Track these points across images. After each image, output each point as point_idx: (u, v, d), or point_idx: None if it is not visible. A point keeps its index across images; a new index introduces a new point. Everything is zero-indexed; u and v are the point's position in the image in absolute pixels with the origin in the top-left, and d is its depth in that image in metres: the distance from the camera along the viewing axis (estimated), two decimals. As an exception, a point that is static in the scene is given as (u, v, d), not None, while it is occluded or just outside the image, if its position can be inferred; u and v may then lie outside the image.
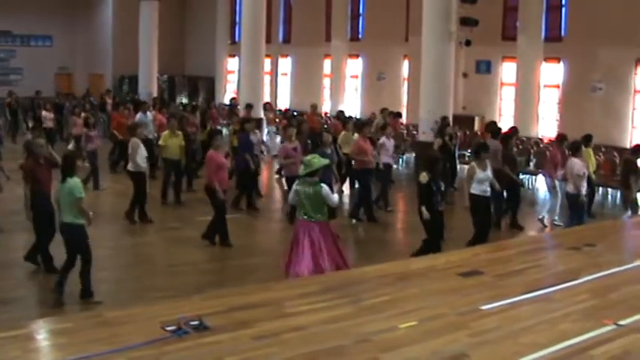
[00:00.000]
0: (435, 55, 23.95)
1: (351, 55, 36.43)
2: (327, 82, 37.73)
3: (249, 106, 26.78)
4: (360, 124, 20.46)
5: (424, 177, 13.65)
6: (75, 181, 11.77)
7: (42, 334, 10.14)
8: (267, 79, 37.37)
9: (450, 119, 23.71)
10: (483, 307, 9.99)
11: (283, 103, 40.08)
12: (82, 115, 26.40)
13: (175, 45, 46.72)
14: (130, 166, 18.00)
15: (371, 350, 8.64)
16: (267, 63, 36.32)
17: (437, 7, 23.74)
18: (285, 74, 40.87)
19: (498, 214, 17.82)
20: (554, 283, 11.00)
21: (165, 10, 41.82)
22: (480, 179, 14.58)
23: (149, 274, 13.82)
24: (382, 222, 18.97)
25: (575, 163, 16.49)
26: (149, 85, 40.29)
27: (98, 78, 48.75)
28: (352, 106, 36.10)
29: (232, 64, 43.17)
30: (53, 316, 11.16)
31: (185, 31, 48.43)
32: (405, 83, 33.40)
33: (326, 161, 12.63)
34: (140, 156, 17.64)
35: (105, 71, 48.15)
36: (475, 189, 14.62)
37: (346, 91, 36.65)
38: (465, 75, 30.97)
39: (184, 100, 42.62)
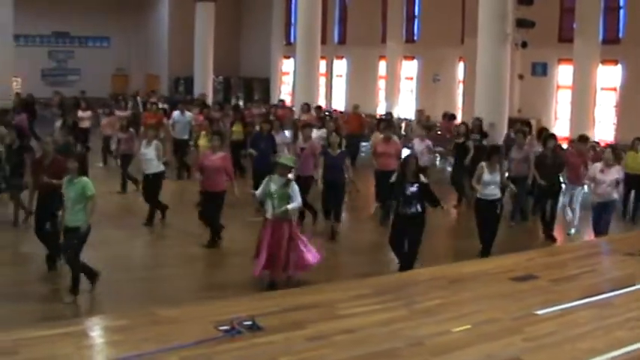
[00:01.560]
0: (491, 56, 23.75)
1: (406, 57, 36.30)
2: (382, 83, 37.64)
3: (306, 107, 26.70)
4: (383, 126, 20.28)
5: (394, 177, 13.59)
6: (86, 180, 11.95)
7: (96, 331, 10.25)
8: (322, 80, 37.39)
9: (505, 122, 23.54)
10: (538, 312, 9.91)
11: (338, 104, 40.04)
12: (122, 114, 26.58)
13: (231, 46, 46.90)
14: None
15: (423, 353, 8.61)
16: (322, 64, 36.33)
17: (493, 8, 23.54)
18: (340, 76, 40.83)
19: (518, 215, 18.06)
20: (611, 289, 10.88)
21: (221, 11, 42.00)
22: (486, 182, 14.47)
23: (201, 273, 13.86)
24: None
25: (594, 168, 16.27)
26: (204, 87, 40.49)
27: (154, 79, 49.13)
28: (407, 108, 35.98)
29: (287, 65, 43.23)
30: (105, 314, 11.23)
31: (241, 32, 48.59)
32: (460, 85, 33.20)
33: (285, 161, 12.97)
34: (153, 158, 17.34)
35: (161, 72, 48.52)
36: (479, 193, 14.61)
37: (401, 93, 36.53)
38: (520, 77, 30.71)
39: (241, 102, 42.76)
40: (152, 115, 26.09)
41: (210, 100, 37.66)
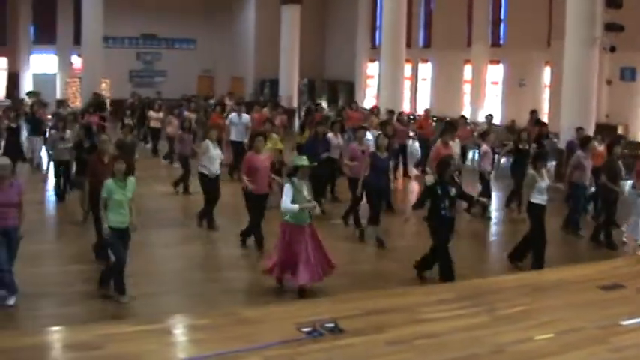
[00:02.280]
0: (578, 61, 23.44)
1: (491, 61, 35.99)
2: (467, 87, 37.39)
3: (390, 112, 26.53)
4: (443, 130, 20.04)
5: (430, 179, 13.35)
6: (133, 181, 12.04)
7: (179, 328, 10.41)
8: (407, 84, 37.30)
9: (592, 127, 23.18)
10: (624, 322, 9.77)
11: (423, 108, 39.88)
12: (187, 115, 26.81)
13: (316, 49, 47.01)
14: (198, 168, 17.68)
15: (505, 360, 8.55)
16: (407, 68, 36.26)
17: (580, 11, 23.23)
18: (425, 79, 40.67)
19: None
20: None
21: (307, 13, 42.20)
22: (541, 189, 14.17)
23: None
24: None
25: None
26: (289, 89, 40.71)
27: (239, 81, 49.51)
28: (493, 112, 35.65)
29: (372, 68, 43.20)
30: (186, 312, 11.36)
31: (326, 34, 48.69)
32: (547, 90, 32.80)
33: (301, 162, 12.68)
34: (207, 158, 17.30)
35: (246, 74, 48.85)
36: (536, 198, 14.18)
37: (486, 97, 36.24)
38: (608, 82, 30.17)
39: (324, 104, 42.88)
40: (219, 116, 26.12)
41: (295, 103, 38.00)
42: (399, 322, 10.19)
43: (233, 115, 24.38)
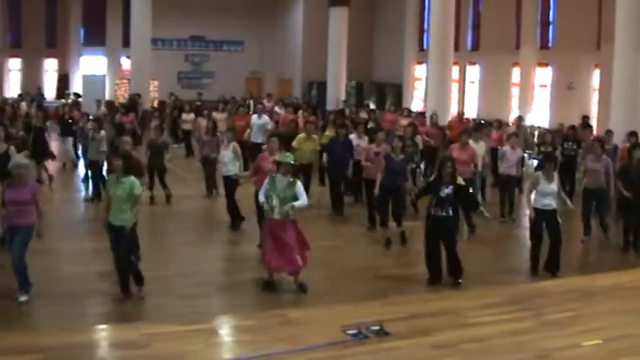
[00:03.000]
0: (628, 64, 23.10)
1: (540, 64, 35.71)
2: (515, 91, 37.14)
3: (421, 114, 26.33)
4: (468, 131, 19.80)
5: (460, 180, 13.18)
6: (133, 179, 11.86)
7: (225, 329, 10.48)
8: (454, 86, 37.15)
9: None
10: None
11: (470, 111, 39.68)
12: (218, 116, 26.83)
13: (364, 51, 47.00)
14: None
15: (551, 366, 8.49)
16: (455, 70, 36.11)
17: (631, 13, 22.89)
18: (473, 82, 40.47)
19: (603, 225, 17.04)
20: None
21: (355, 16, 42.21)
22: (543, 192, 13.83)
23: (330, 277, 13.93)
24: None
25: None
26: (337, 91, 40.72)
27: (287, 83, 49.67)
28: (541, 116, 35.42)
29: (420, 71, 43.08)
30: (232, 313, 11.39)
31: (373, 37, 48.66)
32: (596, 93, 32.50)
33: (283, 159, 12.79)
34: (230, 161, 17.46)
35: (294, 76, 48.98)
36: (536, 202, 13.91)
37: (535, 100, 35.98)
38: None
39: (372, 106, 42.87)
40: (241, 117, 25.88)
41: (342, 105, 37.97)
42: (444, 325, 10.16)
43: (254, 117, 24.43)
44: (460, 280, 12.90)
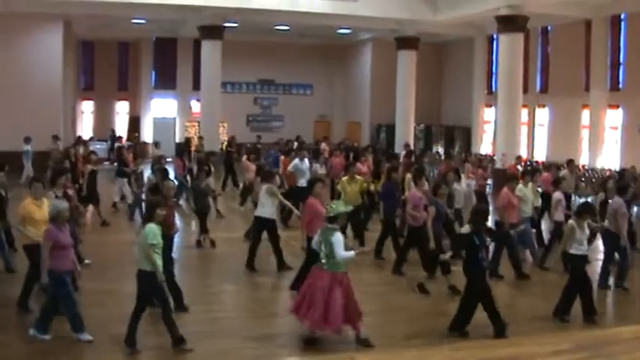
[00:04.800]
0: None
1: (610, 106, 35.34)
2: (585, 133, 36.76)
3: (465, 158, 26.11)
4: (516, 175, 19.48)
5: (466, 228, 12.74)
6: (150, 227, 11.55)
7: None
8: (523, 129, 36.94)
9: None
10: None
11: (540, 154, 39.36)
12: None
13: (432, 94, 47.06)
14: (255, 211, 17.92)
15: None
16: (524, 113, 35.93)
17: None
18: (542, 125, 40.15)
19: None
20: None
21: (423, 59, 42.26)
22: (579, 240, 13.60)
23: (395, 320, 13.83)
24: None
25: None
26: (405, 135, 40.69)
27: (355, 126, 49.87)
28: (611, 158, 34.98)
29: (489, 114, 42.93)
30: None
31: (442, 80, 48.72)
32: (669, 135, 32.05)
33: (346, 208, 12.18)
34: (262, 203, 17.46)
35: (362, 119, 49.18)
36: (574, 248, 13.62)
37: (605, 143, 35.56)
38: None
39: (440, 150, 42.76)
40: (289, 160, 25.25)
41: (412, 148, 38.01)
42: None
43: (296, 161, 23.94)
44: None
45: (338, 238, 11.63)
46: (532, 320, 13.28)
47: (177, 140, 45.12)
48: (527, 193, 18.35)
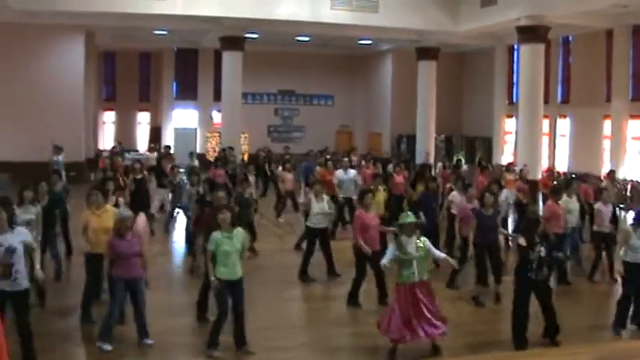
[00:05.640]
0: None
1: (632, 116, 35.15)
2: (606, 143, 36.57)
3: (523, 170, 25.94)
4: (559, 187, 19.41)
5: (522, 240, 12.60)
6: (240, 231, 11.85)
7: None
8: (545, 140, 36.80)
9: None
10: None
11: (561, 165, 39.20)
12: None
13: (453, 104, 46.96)
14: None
15: None
16: (545, 123, 35.80)
17: None
18: (564, 135, 39.99)
19: None
20: None
21: (443, 69, 42.23)
22: (635, 246, 13.43)
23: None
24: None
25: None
26: (426, 145, 40.65)
27: (376, 137, 49.87)
28: (633, 169, 34.79)
29: (510, 124, 42.77)
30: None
31: (463, 90, 48.62)
32: (691, 145, 31.86)
33: (408, 219, 12.15)
34: (312, 212, 17.64)
35: (383, 130, 49.16)
36: (629, 256, 13.49)
37: (627, 153, 35.36)
38: None
39: (462, 160, 42.67)
40: (327, 172, 25.48)
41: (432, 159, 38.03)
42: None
43: (339, 172, 23.91)
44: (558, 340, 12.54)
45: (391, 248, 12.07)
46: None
47: (198, 151, 45.16)
48: (569, 204, 18.38)
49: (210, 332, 11.83)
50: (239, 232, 11.87)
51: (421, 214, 17.47)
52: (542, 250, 12.33)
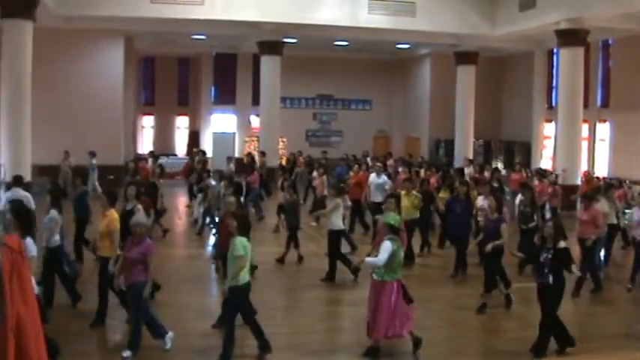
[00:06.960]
0: None
1: (673, 120, 34.83)
2: (647, 148, 36.20)
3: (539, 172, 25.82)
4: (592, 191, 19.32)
5: (562, 243, 12.20)
6: (238, 240, 11.67)
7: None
8: (584, 144, 36.50)
9: None
10: None
11: (601, 170, 38.85)
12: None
13: (491, 109, 46.71)
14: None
15: None
16: (584, 128, 35.52)
17: None
18: (603, 140, 39.65)
19: None
20: None
21: (482, 74, 42.06)
22: None
23: (455, 336, 13.76)
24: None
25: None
26: (465, 150, 40.50)
27: (414, 141, 49.76)
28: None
29: (549, 129, 42.46)
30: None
31: (501, 95, 48.35)
32: None
33: (390, 220, 12.40)
34: (335, 215, 18.00)
35: (421, 134, 49.04)
36: None
37: (668, 157, 35.01)
38: None
39: (500, 165, 42.37)
40: (363, 175, 25.38)
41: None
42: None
43: (372, 176, 23.87)
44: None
45: (384, 244, 11.95)
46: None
47: (236, 155, 45.32)
48: (606, 207, 18.39)
49: (256, 333, 11.93)
50: (237, 240, 11.73)
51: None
52: (547, 254, 12.18)
